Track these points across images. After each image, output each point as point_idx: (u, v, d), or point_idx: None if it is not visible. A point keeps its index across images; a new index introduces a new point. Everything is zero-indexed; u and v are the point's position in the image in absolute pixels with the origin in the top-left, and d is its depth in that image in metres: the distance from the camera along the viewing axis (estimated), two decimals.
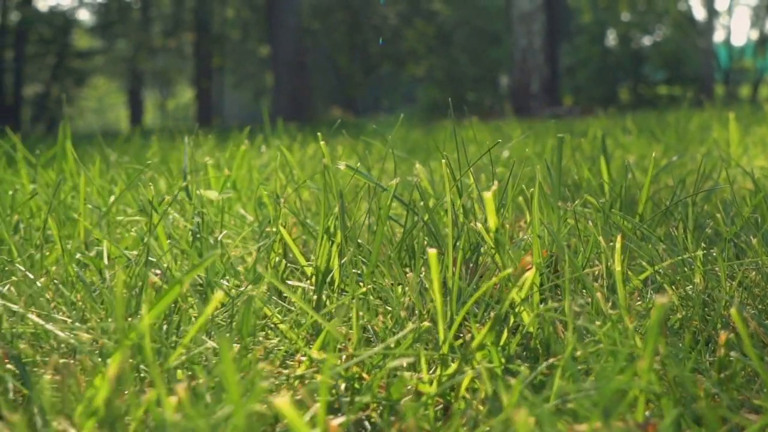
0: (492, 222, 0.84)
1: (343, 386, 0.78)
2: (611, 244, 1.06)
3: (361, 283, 0.98)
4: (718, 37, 27.18)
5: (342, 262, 0.99)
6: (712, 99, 10.70)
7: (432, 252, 0.76)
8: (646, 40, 21.51)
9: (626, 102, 19.02)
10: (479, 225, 0.87)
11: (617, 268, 0.81)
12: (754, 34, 22.10)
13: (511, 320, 0.81)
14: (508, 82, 17.45)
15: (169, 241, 1.20)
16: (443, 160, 1.00)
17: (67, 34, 22.43)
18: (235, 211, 1.58)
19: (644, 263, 1.03)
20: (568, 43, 20.99)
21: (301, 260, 1.04)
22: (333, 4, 21.82)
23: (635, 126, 3.18)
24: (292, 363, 0.84)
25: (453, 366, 0.75)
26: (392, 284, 1.00)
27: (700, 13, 26.84)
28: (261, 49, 23.39)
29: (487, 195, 0.80)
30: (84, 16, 39.28)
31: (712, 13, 21.12)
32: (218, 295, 0.66)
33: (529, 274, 0.79)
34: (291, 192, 1.65)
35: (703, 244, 1.14)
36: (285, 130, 3.42)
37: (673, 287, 1.00)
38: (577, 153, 2.42)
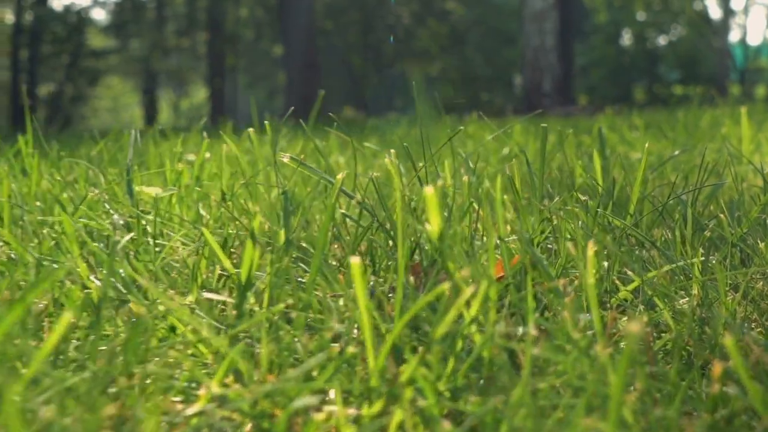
0: (435, 223, 0.69)
1: (248, 426, 0.63)
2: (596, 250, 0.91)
3: (297, 295, 0.84)
4: (734, 36, 26.87)
5: (276, 268, 0.84)
6: (726, 97, 10.49)
7: (355, 261, 0.62)
8: (662, 40, 21.31)
9: (641, 101, 18.83)
10: (427, 227, 0.72)
11: (589, 281, 0.66)
12: None
13: (459, 344, 0.67)
14: (520, 80, 17.25)
15: (101, 244, 1.06)
16: (392, 150, 0.85)
17: (81, 33, 22.45)
18: (193, 211, 1.44)
19: (630, 272, 0.87)
20: (582, 42, 20.84)
21: (229, 267, 0.89)
22: (346, 4, 21.69)
23: (643, 122, 3.00)
24: (198, 395, 0.70)
25: (378, 404, 0.61)
26: (331, 297, 0.85)
27: (715, 13, 26.56)
28: (274, 49, 23.28)
29: (429, 190, 0.66)
30: (99, 15, 39.33)
31: (728, 12, 20.86)
32: (65, 318, 0.52)
33: (481, 288, 0.64)
34: (262, 189, 1.50)
35: (702, 250, 0.98)
36: (276, 127, 3.26)
37: (666, 301, 0.85)
38: (577, 149, 2.26)
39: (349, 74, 22.59)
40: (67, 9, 23.10)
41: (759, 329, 0.84)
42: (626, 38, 21.81)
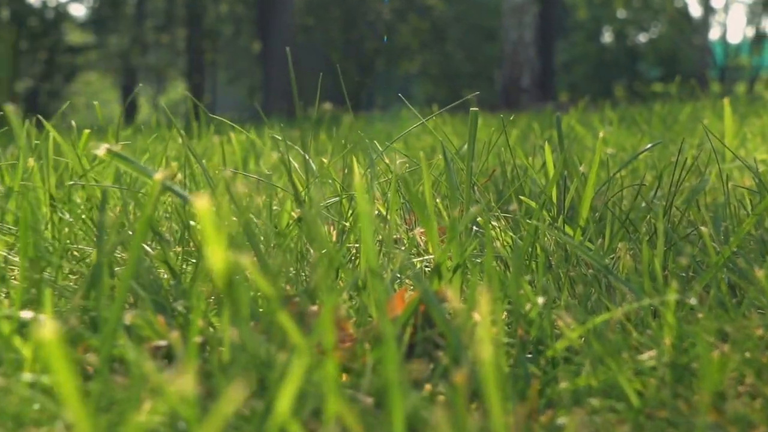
0: (215, 256, 0.42)
1: None
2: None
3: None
4: (714, 34, 26.85)
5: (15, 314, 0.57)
6: (707, 92, 10.29)
7: (46, 332, 0.35)
8: (642, 37, 21.22)
9: (621, 98, 18.79)
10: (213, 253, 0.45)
11: (484, 354, 0.39)
12: (750, 32, 21.73)
13: None
14: (499, 75, 17.03)
15: None
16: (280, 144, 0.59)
17: (59, 28, 22.07)
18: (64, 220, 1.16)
19: (567, 320, 0.60)
20: (564, 39, 20.73)
21: None
22: (327, 0, 21.38)
23: (616, 116, 2.72)
24: None
25: None
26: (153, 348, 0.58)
27: (696, 10, 26.56)
28: (254, 45, 22.92)
29: (200, 203, 0.39)
30: (78, 11, 38.76)
31: (709, 10, 20.79)
32: None
33: (293, 371, 0.38)
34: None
35: (678, 276, 0.72)
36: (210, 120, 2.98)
37: (622, 357, 0.59)
38: (536, 145, 1.99)
39: (331, 71, 22.28)
40: (45, 4, 22.57)
41: (758, 399, 0.58)
42: (607, 35, 21.77)
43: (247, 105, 23.66)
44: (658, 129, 2.54)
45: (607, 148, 2.14)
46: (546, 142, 1.02)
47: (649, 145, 1.07)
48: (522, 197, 0.89)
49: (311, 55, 21.62)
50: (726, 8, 31.70)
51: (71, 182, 0.95)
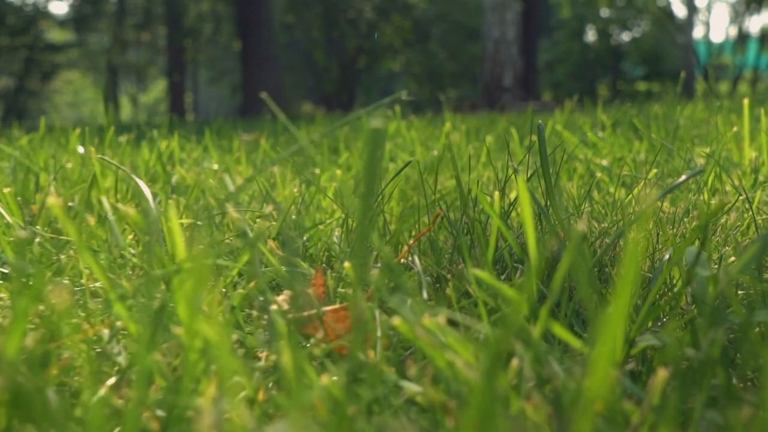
0: None
1: None
2: None
3: None
4: (697, 33, 26.77)
5: None
6: (693, 94, 9.96)
7: None
8: (625, 36, 21.07)
9: (604, 97, 18.63)
10: None
11: None
12: (733, 31, 21.62)
13: None
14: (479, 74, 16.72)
15: None
16: None
17: (38, 26, 21.59)
18: None
19: None
20: (546, 38, 20.55)
21: None
22: None
23: (609, 119, 2.34)
24: None
25: None
26: None
27: (679, 10, 26.44)
28: (236, 44, 22.55)
29: None
30: (59, 9, 38.11)
31: (692, 9, 20.64)
32: None
33: None
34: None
35: None
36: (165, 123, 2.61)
37: None
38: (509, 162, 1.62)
39: (313, 70, 21.96)
40: (24, 1, 22.02)
41: None
42: (590, 34, 21.63)
43: (229, 104, 23.30)
44: (661, 135, 2.16)
45: (600, 160, 1.78)
46: (519, 180, 0.65)
47: (683, 177, 0.71)
48: (481, 274, 0.53)
49: (292, 54, 21.30)
50: (709, 7, 31.66)
51: None
